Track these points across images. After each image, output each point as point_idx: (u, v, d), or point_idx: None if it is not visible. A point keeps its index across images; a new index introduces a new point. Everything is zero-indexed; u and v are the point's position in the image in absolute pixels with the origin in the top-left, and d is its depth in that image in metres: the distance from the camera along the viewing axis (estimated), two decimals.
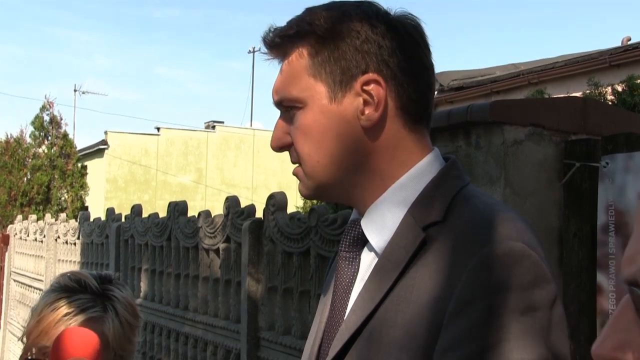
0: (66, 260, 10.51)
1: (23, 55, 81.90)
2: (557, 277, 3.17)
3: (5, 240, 14.84)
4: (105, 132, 28.45)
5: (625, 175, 2.99)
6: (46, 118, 24.25)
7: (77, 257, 10.01)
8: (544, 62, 15.14)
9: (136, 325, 2.13)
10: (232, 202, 5.85)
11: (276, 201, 5.17)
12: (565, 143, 3.27)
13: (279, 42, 1.40)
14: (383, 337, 1.26)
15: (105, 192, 27.70)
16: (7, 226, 17.33)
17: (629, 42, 14.04)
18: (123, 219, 8.29)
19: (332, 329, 1.41)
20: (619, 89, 8.23)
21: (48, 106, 24.33)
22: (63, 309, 2.05)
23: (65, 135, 24.35)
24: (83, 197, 23.76)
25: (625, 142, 3.06)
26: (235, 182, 30.31)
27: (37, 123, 24.10)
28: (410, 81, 1.36)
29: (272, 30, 1.41)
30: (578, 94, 9.09)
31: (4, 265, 14.88)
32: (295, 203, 10.89)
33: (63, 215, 11.72)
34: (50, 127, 24.18)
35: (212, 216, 6.18)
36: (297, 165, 1.43)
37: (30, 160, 23.55)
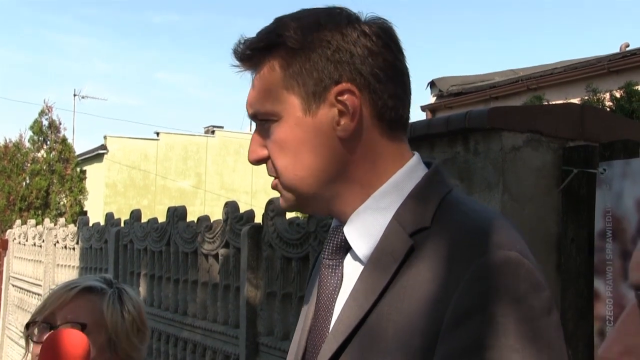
0: (65, 265, 10.51)
1: (22, 60, 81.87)
2: (555, 283, 3.18)
3: (4, 245, 14.83)
4: (105, 137, 28.46)
5: (622, 181, 3.00)
6: (45, 123, 24.24)
7: (76, 262, 10.00)
8: (542, 68, 15.14)
9: (142, 331, 2.13)
10: (231, 208, 5.86)
11: (275, 206, 5.17)
12: (563, 149, 3.28)
13: (250, 55, 1.38)
14: (374, 347, 1.24)
15: (104, 196, 27.69)
16: (5, 231, 17.31)
17: (627, 49, 14.04)
18: (122, 224, 8.29)
19: (317, 337, 1.39)
20: (618, 95, 8.25)
21: (47, 111, 24.32)
22: (68, 282, 2.10)
23: (64, 139, 24.34)
24: (82, 201, 23.74)
25: (623, 148, 3.08)
26: (234, 187, 30.30)
27: (36, 128, 24.08)
28: (385, 88, 1.33)
29: (242, 42, 1.39)
30: (576, 100, 9.11)
31: (2, 270, 14.87)
32: None
33: (62, 220, 11.71)
34: (49, 132, 24.16)
35: (211, 221, 6.18)
36: (274, 178, 1.42)
37: (29, 164, 23.53)
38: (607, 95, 8.68)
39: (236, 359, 5.54)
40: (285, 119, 1.35)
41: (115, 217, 8.71)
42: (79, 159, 26.06)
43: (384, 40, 1.35)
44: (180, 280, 6.68)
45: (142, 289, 7.46)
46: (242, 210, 5.83)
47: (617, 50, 14.14)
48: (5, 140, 24.08)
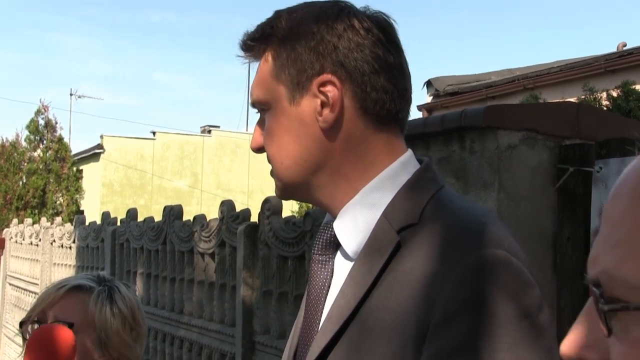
0: (62, 264, 10.50)
1: (19, 59, 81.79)
2: (551, 281, 3.19)
3: (1, 243, 14.82)
4: (101, 136, 28.43)
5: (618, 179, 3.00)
6: (41, 122, 24.22)
7: (72, 261, 10.00)
8: (539, 67, 15.14)
9: (135, 329, 2.12)
10: (227, 206, 5.86)
11: (271, 205, 5.17)
12: (559, 148, 3.28)
13: (250, 46, 1.41)
14: (362, 343, 1.24)
15: (101, 196, 27.67)
16: (2, 230, 17.29)
17: (624, 48, 14.05)
18: (119, 223, 8.29)
19: (307, 334, 1.39)
20: (614, 94, 8.25)
21: (43, 110, 24.31)
22: (60, 280, 2.10)
23: (61, 139, 24.32)
24: (79, 201, 23.74)
25: (619, 147, 3.08)
26: (231, 187, 30.28)
27: (32, 127, 24.07)
28: (370, 81, 1.33)
29: (245, 34, 1.42)
30: (573, 99, 9.11)
31: None
32: (290, 207, 10.90)
33: (59, 219, 11.70)
34: (46, 131, 24.15)
35: (207, 220, 6.19)
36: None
37: (25, 164, 23.51)
38: (604, 95, 8.69)
39: (232, 358, 5.54)
40: (274, 108, 1.38)
41: (112, 216, 8.71)
42: (76, 158, 26.05)
43: (375, 35, 1.35)
44: (176, 279, 6.68)
45: (139, 287, 7.46)
46: (238, 209, 5.83)
47: (614, 50, 14.14)
48: (2, 139, 24.06)
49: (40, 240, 11.36)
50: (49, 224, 11.71)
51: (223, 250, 5.84)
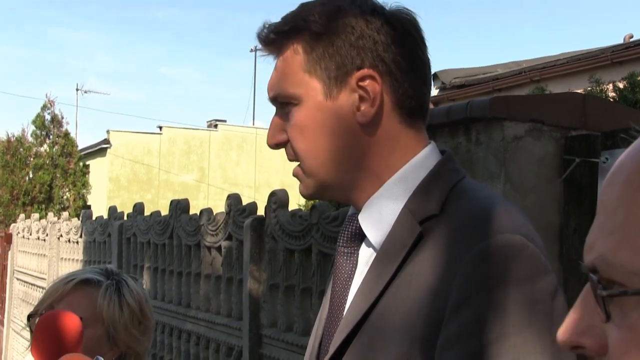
0: (69, 259, 10.52)
1: (25, 55, 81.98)
2: (557, 273, 3.18)
3: (8, 239, 14.86)
4: (108, 131, 28.46)
5: None
6: (47, 117, 24.25)
7: (79, 256, 10.01)
8: (545, 59, 15.10)
9: (143, 322, 2.12)
10: (233, 200, 5.86)
11: (278, 198, 5.17)
12: (565, 139, 3.27)
13: (274, 39, 1.40)
14: (383, 332, 1.25)
15: (107, 191, 27.71)
16: (9, 225, 17.34)
17: (630, 40, 14.01)
18: (125, 217, 8.30)
19: (331, 324, 1.41)
20: (621, 86, 8.22)
21: (49, 105, 24.33)
22: (67, 274, 2.10)
23: (67, 134, 24.34)
24: (85, 196, 23.77)
25: (625, 137, 3.07)
26: (237, 181, 30.29)
27: (39, 122, 24.09)
28: (406, 76, 1.35)
29: (267, 26, 1.41)
30: (580, 91, 9.08)
31: (7, 264, 14.91)
32: (297, 200, 10.89)
33: (65, 214, 11.72)
34: (52, 126, 24.17)
35: (214, 214, 6.19)
36: (297, 164, 1.42)
37: (32, 159, 23.54)
38: (611, 87, 8.66)
39: (239, 351, 5.55)
40: (305, 103, 1.36)
41: (119, 211, 8.72)
42: (82, 153, 26.08)
43: (407, 30, 1.37)
44: (183, 272, 6.68)
45: (146, 281, 7.47)
46: (244, 203, 5.83)
47: (621, 41, 14.10)
48: (8, 135, 24.10)
49: (47, 235, 11.38)
50: (55, 219, 11.73)
51: (230, 243, 5.85)
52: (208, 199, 28.69)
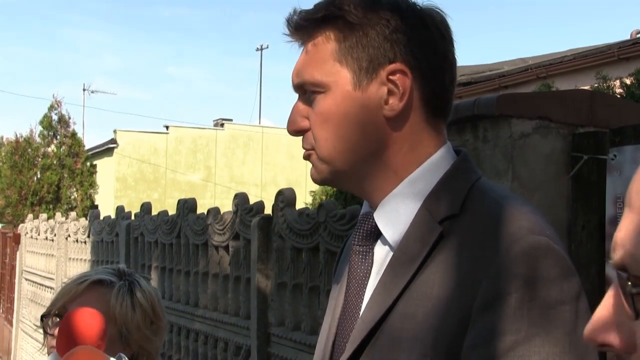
0: (77, 259, 10.55)
1: (32, 55, 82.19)
2: None
3: (17, 239, 14.90)
4: (115, 131, 28.49)
5: (633, 167, 2.98)
6: (55, 117, 24.28)
7: (87, 255, 10.04)
8: (552, 56, 15.07)
9: (155, 322, 2.13)
10: (240, 199, 5.86)
11: (285, 197, 5.18)
12: (572, 136, 3.26)
13: (305, 25, 1.39)
14: (403, 333, 1.25)
15: (114, 190, 27.74)
16: (18, 225, 17.38)
17: (637, 35, 13.98)
18: (133, 217, 8.31)
19: (346, 324, 1.40)
20: (628, 82, 8.19)
21: (56, 105, 24.35)
22: (80, 275, 2.11)
23: (74, 134, 24.36)
24: (93, 195, 23.79)
25: (633, 134, 3.06)
26: (244, 180, 30.29)
27: (46, 122, 24.12)
28: (435, 75, 1.35)
29: (298, 12, 1.39)
30: (586, 88, 9.06)
31: (15, 264, 14.95)
32: (304, 199, 10.89)
33: (73, 214, 11.77)
34: (59, 127, 24.20)
35: (222, 213, 6.19)
36: (309, 149, 1.41)
37: (39, 159, 23.57)
38: (617, 83, 8.63)
39: (247, 350, 5.56)
40: (333, 91, 1.35)
41: (126, 210, 8.73)
42: (89, 153, 26.11)
43: (439, 29, 1.37)
44: (191, 272, 6.69)
45: (153, 281, 7.47)
46: (251, 202, 5.83)
47: (628, 37, 14.06)
48: (16, 135, 24.15)
49: (55, 235, 11.41)
50: (63, 219, 11.76)
51: (237, 242, 5.85)
52: (215, 197, 28.72)
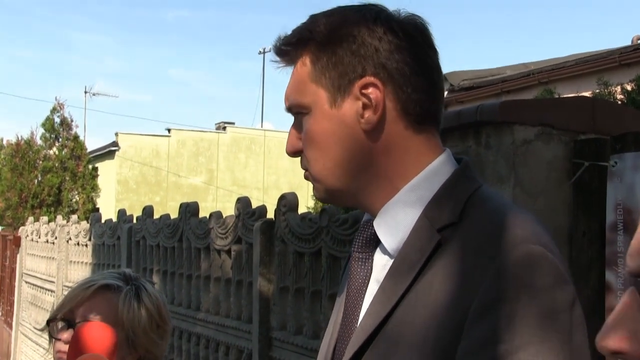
0: (78, 262, 10.55)
1: (34, 57, 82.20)
2: None
3: (17, 242, 14.89)
4: (116, 134, 28.47)
5: (634, 174, 3.00)
6: (57, 120, 24.26)
7: (88, 259, 10.04)
8: (554, 61, 15.07)
9: (161, 327, 2.15)
10: (243, 203, 5.88)
11: (287, 202, 5.19)
12: (574, 142, 3.28)
13: (285, 50, 1.43)
14: (401, 340, 1.26)
15: (116, 193, 27.72)
16: (18, 228, 17.37)
17: (639, 41, 13.99)
18: (134, 221, 8.31)
19: (346, 330, 1.41)
20: (629, 88, 8.20)
21: (58, 108, 24.34)
22: (86, 279, 2.13)
23: (76, 137, 24.34)
24: (94, 198, 23.77)
25: (634, 141, 3.08)
26: (246, 183, 30.27)
27: (48, 125, 24.09)
28: (410, 82, 1.35)
29: (280, 39, 1.44)
30: (588, 93, 9.07)
31: (15, 267, 14.94)
32: (306, 203, 10.90)
33: (74, 217, 11.75)
34: (61, 129, 24.19)
35: (224, 217, 6.20)
36: (305, 170, 1.45)
37: (41, 162, 23.55)
38: (619, 89, 8.64)
39: (249, 354, 5.56)
40: (314, 112, 1.39)
41: (128, 213, 8.74)
42: (91, 156, 26.07)
43: (412, 37, 1.38)
44: (192, 276, 6.70)
45: (155, 285, 7.47)
46: (254, 206, 5.84)
47: (629, 43, 14.07)
48: (17, 137, 24.13)
49: (56, 238, 11.41)
50: (64, 222, 11.76)
51: (239, 246, 5.86)
52: (217, 201, 28.70)
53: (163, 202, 27.00)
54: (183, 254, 6.86)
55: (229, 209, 6.47)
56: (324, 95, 1.37)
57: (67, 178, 23.20)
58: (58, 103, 24.46)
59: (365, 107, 1.35)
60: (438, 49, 1.43)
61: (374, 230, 1.39)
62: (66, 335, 1.99)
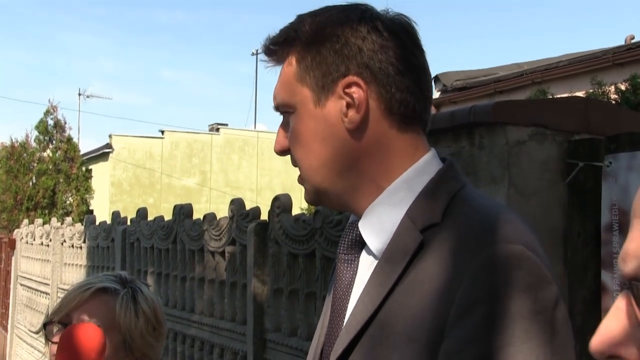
0: (72, 264, 10.53)
1: (28, 59, 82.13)
2: (562, 277, 3.18)
3: (12, 244, 14.86)
4: (110, 136, 28.50)
5: (628, 174, 3.00)
6: (50, 122, 24.25)
7: (83, 261, 10.02)
8: (547, 61, 15.09)
9: (157, 329, 2.15)
10: (237, 205, 5.87)
11: (281, 203, 5.18)
12: (568, 143, 3.27)
13: (273, 50, 1.44)
14: (386, 340, 1.26)
15: (110, 195, 27.73)
16: (13, 230, 17.34)
17: (632, 41, 14.01)
18: (129, 222, 8.30)
19: (332, 332, 1.41)
20: (623, 87, 8.21)
21: (52, 110, 24.33)
22: (83, 282, 2.12)
23: (70, 139, 24.34)
24: (88, 200, 23.76)
25: (628, 141, 3.07)
26: (239, 185, 30.31)
27: (42, 127, 24.09)
28: (394, 81, 1.35)
29: (269, 38, 1.45)
30: (581, 93, 9.09)
31: (10, 270, 14.91)
32: (300, 205, 10.90)
33: (69, 219, 11.73)
34: (55, 132, 24.18)
35: (218, 219, 6.19)
36: (295, 166, 1.46)
37: (35, 164, 23.54)
38: (612, 88, 8.65)
39: (244, 356, 5.55)
40: (299, 111, 1.40)
41: (122, 215, 8.72)
42: (85, 158, 26.09)
43: (397, 36, 1.38)
44: (187, 277, 6.69)
45: (150, 287, 7.46)
46: (247, 207, 5.84)
47: (622, 43, 14.10)
48: (12, 140, 24.11)
49: (50, 240, 11.39)
50: (59, 224, 11.74)
51: (233, 248, 5.85)
52: (210, 202, 28.73)
53: (157, 204, 27.00)
54: (177, 255, 6.85)
55: (222, 211, 6.46)
56: (308, 95, 1.38)
57: (61, 180, 23.20)
58: (51, 105, 24.47)
59: (348, 106, 1.35)
60: (425, 49, 1.43)
61: (359, 231, 1.39)
62: None
